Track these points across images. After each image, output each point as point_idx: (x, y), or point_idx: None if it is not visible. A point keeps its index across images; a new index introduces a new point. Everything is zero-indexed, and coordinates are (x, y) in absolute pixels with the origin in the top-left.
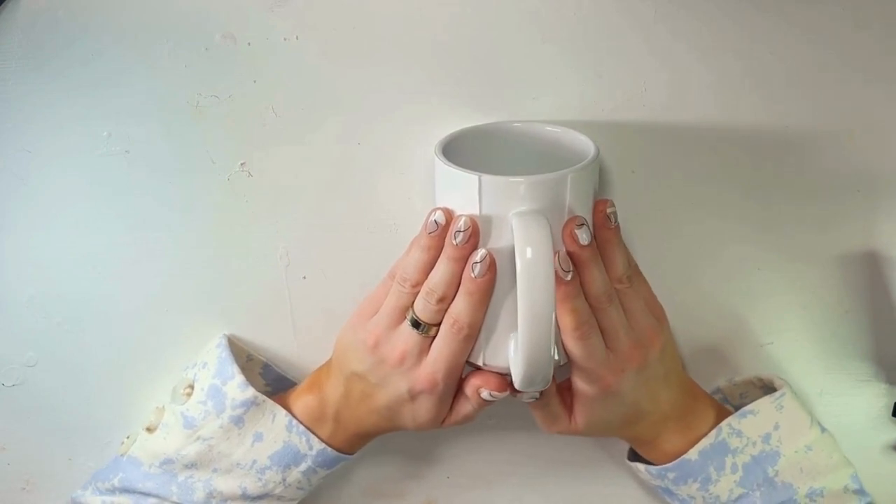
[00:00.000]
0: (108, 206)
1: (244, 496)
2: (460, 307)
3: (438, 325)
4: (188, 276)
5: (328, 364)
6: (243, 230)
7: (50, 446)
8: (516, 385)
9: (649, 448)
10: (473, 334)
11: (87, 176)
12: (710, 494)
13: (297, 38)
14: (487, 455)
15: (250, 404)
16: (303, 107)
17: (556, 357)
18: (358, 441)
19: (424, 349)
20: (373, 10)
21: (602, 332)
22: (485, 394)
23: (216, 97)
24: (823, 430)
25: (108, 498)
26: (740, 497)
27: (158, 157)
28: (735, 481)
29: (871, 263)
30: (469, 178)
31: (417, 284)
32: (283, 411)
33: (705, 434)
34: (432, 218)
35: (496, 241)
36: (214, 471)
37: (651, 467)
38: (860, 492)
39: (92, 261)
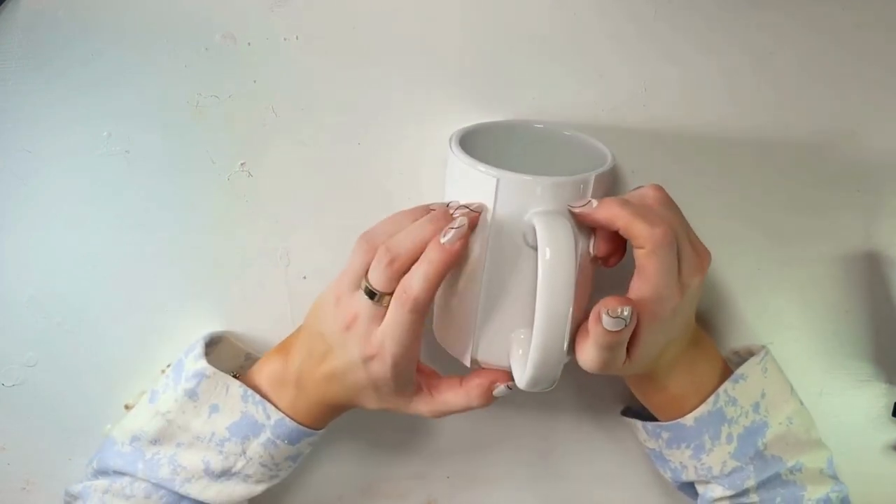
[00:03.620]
0: (108, 206)
1: (207, 471)
2: (414, 276)
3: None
4: (188, 276)
5: (300, 327)
6: (243, 230)
7: (50, 446)
8: (521, 385)
9: (656, 389)
10: (420, 310)
11: (87, 176)
12: (703, 465)
13: (297, 38)
14: (487, 455)
15: (201, 376)
16: (303, 107)
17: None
18: (321, 412)
19: (377, 317)
20: (373, 10)
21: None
22: (500, 389)
23: (216, 97)
24: (801, 401)
25: (90, 482)
26: (734, 470)
27: (158, 157)
28: (729, 453)
29: (871, 263)
30: (487, 176)
31: (397, 258)
32: (237, 383)
33: (707, 375)
34: (455, 205)
35: (506, 239)
36: (178, 445)
37: (647, 424)
38: (835, 478)
39: (92, 261)
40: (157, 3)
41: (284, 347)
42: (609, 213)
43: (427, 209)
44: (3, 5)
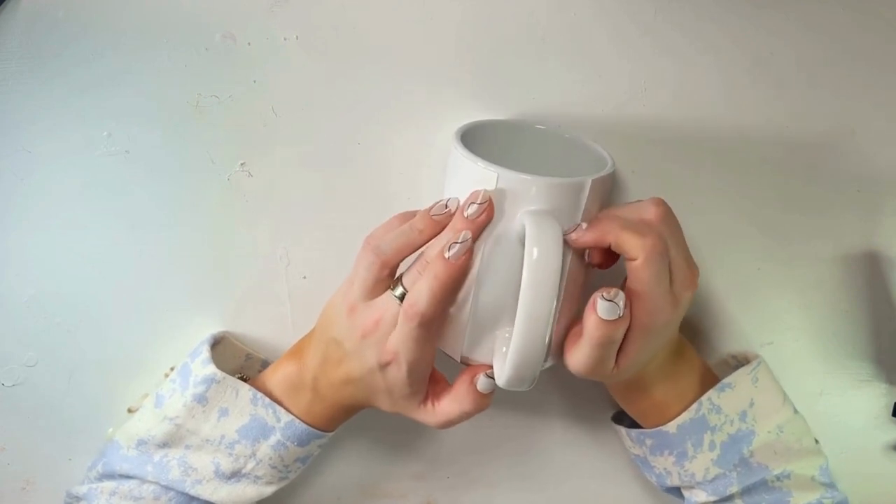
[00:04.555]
0: (109, 206)
1: (217, 473)
2: (420, 291)
3: None
4: (188, 276)
5: (312, 331)
6: (243, 230)
7: (50, 446)
8: (500, 383)
9: (640, 397)
10: (427, 324)
11: (88, 176)
12: (686, 471)
13: (297, 38)
14: (487, 455)
15: (211, 381)
16: (303, 107)
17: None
18: (335, 414)
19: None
20: (373, 10)
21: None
22: (482, 382)
23: (216, 97)
24: (795, 410)
25: (95, 485)
26: (717, 477)
27: (158, 157)
28: (712, 460)
29: (871, 263)
30: (486, 172)
31: (388, 265)
32: (247, 387)
33: (689, 383)
34: (444, 202)
35: (501, 237)
36: (187, 447)
37: (631, 431)
38: (828, 485)
39: (92, 261)
40: (157, 3)
41: (297, 352)
42: (597, 232)
43: (433, 219)
44: (3, 5)
